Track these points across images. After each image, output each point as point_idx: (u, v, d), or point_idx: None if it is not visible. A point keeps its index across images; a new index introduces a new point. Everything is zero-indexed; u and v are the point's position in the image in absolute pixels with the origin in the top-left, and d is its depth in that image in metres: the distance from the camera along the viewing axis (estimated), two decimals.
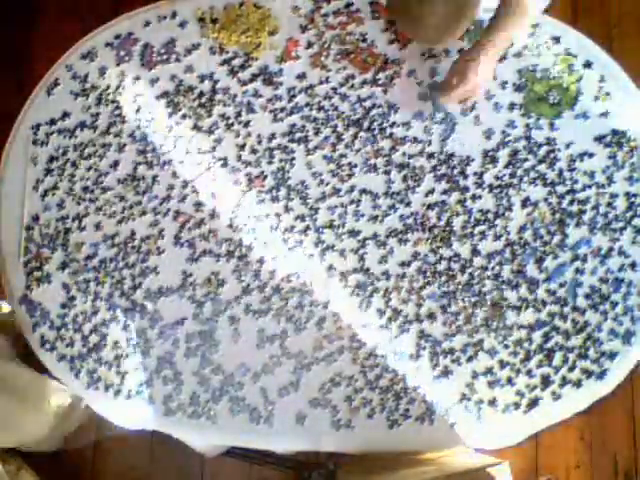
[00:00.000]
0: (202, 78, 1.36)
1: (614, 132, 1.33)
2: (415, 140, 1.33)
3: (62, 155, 1.35)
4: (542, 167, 1.32)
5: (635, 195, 1.31)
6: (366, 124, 1.33)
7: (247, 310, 1.30)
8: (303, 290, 1.30)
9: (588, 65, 1.34)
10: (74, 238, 1.33)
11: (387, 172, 1.32)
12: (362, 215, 1.31)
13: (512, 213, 1.31)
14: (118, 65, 1.36)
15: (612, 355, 1.29)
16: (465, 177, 1.32)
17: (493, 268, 1.30)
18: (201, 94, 1.35)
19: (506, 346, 1.28)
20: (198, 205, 1.32)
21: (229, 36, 1.36)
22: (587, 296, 1.29)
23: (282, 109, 1.34)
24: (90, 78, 1.37)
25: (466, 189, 1.32)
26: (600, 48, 1.36)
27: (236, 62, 1.36)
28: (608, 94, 1.34)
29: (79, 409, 1.49)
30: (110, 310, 1.30)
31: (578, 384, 1.29)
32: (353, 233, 1.31)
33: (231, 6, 1.37)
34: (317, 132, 1.33)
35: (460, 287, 1.29)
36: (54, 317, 1.31)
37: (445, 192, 1.32)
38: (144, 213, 1.33)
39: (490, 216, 1.31)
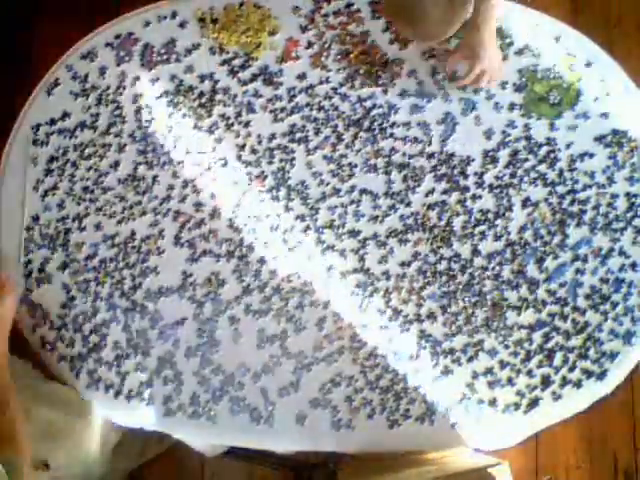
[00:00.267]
0: (202, 78, 1.36)
1: (614, 132, 1.33)
2: (415, 140, 1.33)
3: (62, 155, 1.35)
4: (542, 167, 1.32)
5: (636, 195, 1.31)
6: (366, 124, 1.33)
7: (247, 310, 1.30)
8: (303, 290, 1.30)
9: (588, 65, 1.34)
10: (74, 238, 1.32)
11: (387, 172, 1.32)
12: (362, 215, 1.31)
13: (512, 213, 1.31)
14: (118, 65, 1.36)
15: (612, 355, 1.29)
16: (465, 177, 1.32)
17: (493, 268, 1.30)
18: (201, 94, 1.35)
19: (506, 346, 1.28)
20: (198, 205, 1.32)
21: (229, 36, 1.36)
22: (587, 296, 1.29)
23: (282, 109, 1.34)
24: (90, 78, 1.36)
25: (466, 189, 1.32)
26: (600, 48, 1.36)
27: (236, 62, 1.36)
28: (608, 94, 1.34)
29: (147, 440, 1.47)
30: (110, 310, 1.30)
31: (578, 384, 1.29)
32: (353, 233, 1.31)
33: (231, 6, 1.37)
34: (317, 132, 1.33)
35: (460, 287, 1.29)
36: (54, 317, 1.31)
37: (445, 192, 1.32)
38: (144, 213, 1.33)
39: (490, 216, 1.31)
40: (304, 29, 1.36)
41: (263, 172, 1.33)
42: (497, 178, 1.32)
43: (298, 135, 1.34)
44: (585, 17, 1.83)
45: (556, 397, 1.28)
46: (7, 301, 1.22)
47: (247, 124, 1.34)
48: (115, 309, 1.30)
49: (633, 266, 1.30)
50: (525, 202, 1.31)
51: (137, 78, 1.36)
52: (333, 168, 1.33)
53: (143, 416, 1.29)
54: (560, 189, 1.31)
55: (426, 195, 1.32)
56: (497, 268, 1.30)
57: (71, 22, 1.79)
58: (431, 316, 1.29)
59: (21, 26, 1.92)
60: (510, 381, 1.28)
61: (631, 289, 1.29)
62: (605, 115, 1.33)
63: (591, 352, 1.29)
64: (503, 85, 1.33)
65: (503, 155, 1.32)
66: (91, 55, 1.37)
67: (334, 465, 1.45)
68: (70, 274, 1.32)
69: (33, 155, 1.35)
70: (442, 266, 1.30)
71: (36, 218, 1.33)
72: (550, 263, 1.30)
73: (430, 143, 1.32)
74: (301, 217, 1.31)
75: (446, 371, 1.28)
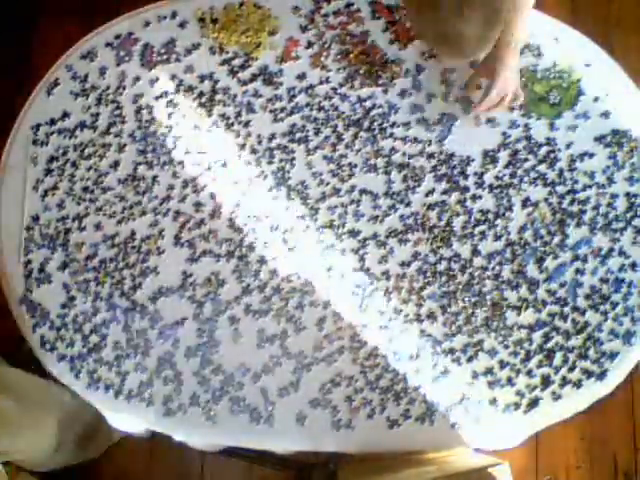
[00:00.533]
0: (202, 78, 1.36)
1: (614, 132, 1.33)
2: (415, 140, 1.33)
3: (62, 155, 1.35)
4: (542, 167, 1.32)
5: (635, 195, 1.31)
6: (366, 124, 1.33)
7: (247, 310, 1.30)
8: (303, 290, 1.30)
9: (588, 65, 1.34)
10: (74, 238, 1.32)
11: (387, 172, 1.32)
12: (362, 215, 1.31)
13: (512, 213, 1.31)
14: (118, 65, 1.36)
15: (612, 355, 1.29)
16: (465, 177, 1.32)
17: (493, 268, 1.30)
18: (201, 94, 1.35)
19: (506, 346, 1.28)
20: (198, 205, 1.32)
21: (229, 36, 1.36)
22: (587, 296, 1.29)
23: (282, 109, 1.34)
24: (90, 78, 1.37)
25: (466, 189, 1.32)
26: (600, 48, 1.36)
27: (236, 62, 1.36)
28: (608, 94, 1.34)
29: (104, 432, 1.48)
30: (110, 310, 1.30)
31: (578, 384, 1.28)
32: (353, 233, 1.31)
33: (231, 6, 1.37)
34: (317, 132, 1.33)
35: (460, 287, 1.29)
36: (54, 317, 1.31)
37: (445, 192, 1.32)
38: (144, 213, 1.33)
39: (490, 216, 1.31)
40: (304, 29, 1.36)
41: (263, 172, 1.33)
42: (497, 178, 1.32)
43: (298, 135, 1.34)
44: (585, 17, 1.83)
45: (556, 397, 1.28)
46: None
47: (247, 124, 1.34)
48: (115, 309, 1.30)
49: (633, 266, 1.30)
50: (525, 202, 1.31)
51: (137, 78, 1.36)
52: (333, 168, 1.33)
53: (143, 416, 1.29)
54: (560, 189, 1.31)
55: (426, 195, 1.32)
56: (497, 268, 1.30)
57: (71, 22, 1.80)
58: (431, 316, 1.29)
59: (21, 26, 1.92)
60: (510, 381, 1.28)
61: (631, 289, 1.29)
62: (605, 115, 1.33)
63: (591, 352, 1.29)
64: None
65: (503, 155, 1.32)
66: (91, 55, 1.37)
67: (334, 465, 1.45)
68: (70, 274, 1.32)
69: (33, 155, 1.35)
70: (442, 266, 1.30)
71: (36, 218, 1.33)
72: (550, 263, 1.30)
73: (430, 143, 1.32)
74: (301, 217, 1.31)
75: (446, 371, 1.28)
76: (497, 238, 1.31)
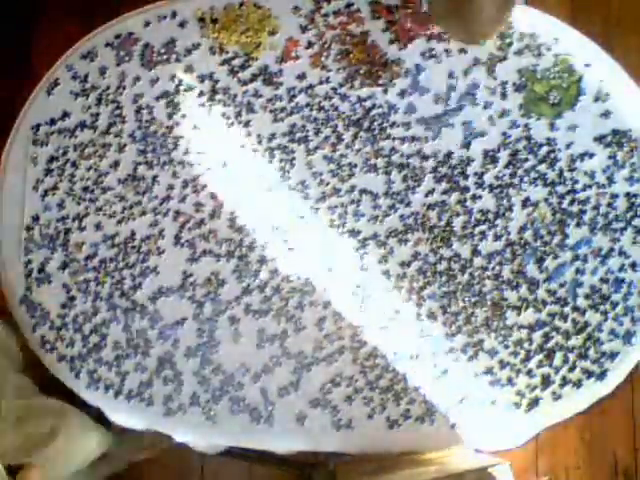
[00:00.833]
0: (202, 78, 1.35)
1: (614, 132, 1.33)
2: (415, 140, 1.33)
3: (62, 155, 1.35)
4: (542, 167, 1.32)
5: (635, 195, 1.31)
6: (366, 124, 1.33)
7: (247, 310, 1.30)
8: (303, 290, 1.30)
9: (588, 65, 1.34)
10: (74, 238, 1.33)
11: (387, 172, 1.32)
12: (362, 215, 1.31)
13: (512, 213, 1.31)
14: (118, 65, 1.36)
15: (612, 355, 1.29)
16: (465, 177, 1.32)
17: (493, 268, 1.30)
18: (201, 94, 1.35)
19: (506, 346, 1.28)
20: (198, 205, 1.32)
21: (229, 36, 1.36)
22: (587, 296, 1.29)
23: (282, 109, 1.34)
24: (90, 78, 1.36)
25: (466, 189, 1.32)
26: (600, 47, 1.36)
27: (236, 62, 1.36)
28: (608, 94, 1.34)
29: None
30: (110, 310, 1.30)
31: (578, 384, 1.29)
32: (353, 233, 1.31)
33: (231, 6, 1.37)
34: (317, 132, 1.33)
35: (460, 287, 1.29)
36: (54, 317, 1.31)
37: (445, 192, 1.32)
38: (144, 213, 1.33)
39: (490, 216, 1.31)
40: (304, 29, 1.36)
41: (263, 172, 1.33)
42: (497, 178, 1.32)
43: (298, 135, 1.34)
44: (585, 17, 1.83)
45: (556, 397, 1.28)
46: None
47: (247, 124, 1.34)
48: (115, 309, 1.31)
49: (633, 266, 1.30)
50: (525, 202, 1.31)
51: (137, 78, 1.36)
52: (333, 168, 1.33)
53: (143, 416, 1.29)
54: (560, 189, 1.31)
55: (426, 195, 1.32)
56: (497, 268, 1.30)
57: (71, 22, 1.80)
58: (431, 316, 1.29)
59: (21, 26, 1.92)
60: (510, 381, 1.28)
61: (631, 289, 1.29)
62: (605, 115, 1.33)
63: (591, 352, 1.29)
64: (503, 85, 1.33)
65: (503, 155, 1.32)
66: (91, 55, 1.37)
67: (334, 465, 1.45)
68: (70, 274, 1.32)
69: (33, 155, 1.35)
70: (442, 266, 1.30)
71: (36, 218, 1.33)
72: (550, 263, 1.30)
73: (430, 143, 1.32)
74: (301, 217, 1.31)
75: (446, 371, 1.28)
76: (497, 238, 1.31)
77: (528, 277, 1.30)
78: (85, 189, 1.34)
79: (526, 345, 1.28)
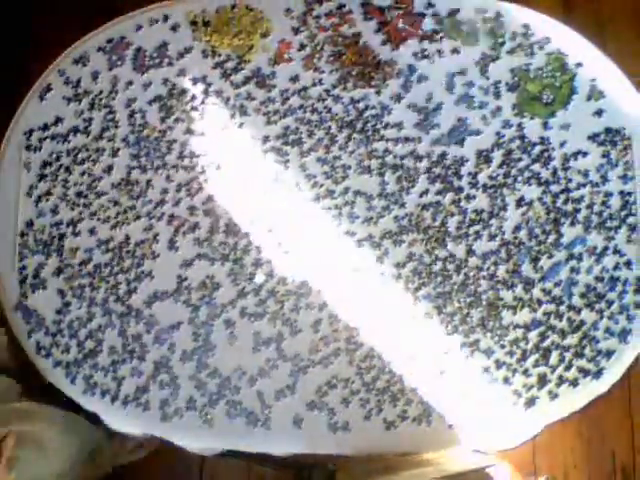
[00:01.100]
0: (195, 81, 1.35)
1: (608, 130, 1.33)
2: (409, 141, 1.32)
3: (55, 160, 1.34)
4: (536, 166, 1.32)
5: (629, 193, 1.31)
6: (359, 126, 1.33)
7: (242, 313, 1.30)
8: (299, 293, 1.30)
9: (581, 63, 1.34)
10: (68, 243, 1.32)
11: (381, 173, 1.32)
12: (357, 217, 1.31)
13: (507, 213, 1.31)
14: (110, 70, 1.36)
15: (608, 353, 1.29)
16: (459, 177, 1.32)
17: (488, 268, 1.30)
18: (194, 97, 1.35)
19: (502, 346, 1.28)
20: (192, 209, 1.32)
21: (221, 39, 1.36)
22: (583, 295, 1.29)
23: (275, 111, 1.34)
24: (83, 83, 1.36)
25: (460, 189, 1.31)
26: (593, 45, 1.35)
27: (229, 65, 1.36)
28: (601, 92, 1.34)
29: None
30: (105, 315, 1.30)
31: (575, 383, 1.28)
32: (348, 234, 1.31)
33: (223, 9, 1.37)
34: (311, 134, 1.33)
35: (455, 287, 1.29)
36: (49, 323, 1.31)
37: (439, 193, 1.31)
38: (138, 217, 1.32)
39: (485, 216, 1.31)
40: (296, 31, 1.36)
41: (257, 175, 1.32)
42: (491, 178, 1.32)
43: (291, 137, 1.33)
44: (577, 15, 1.83)
45: (553, 396, 1.28)
46: None
47: (240, 127, 1.34)
48: (110, 314, 1.30)
49: (628, 264, 1.30)
50: (519, 201, 1.31)
51: (130, 82, 1.36)
52: (327, 170, 1.32)
53: (140, 421, 1.29)
54: (554, 188, 1.31)
55: (420, 196, 1.32)
56: (492, 268, 1.30)
57: (71, 22, 1.79)
58: (427, 316, 1.29)
59: (17, 31, 1.92)
60: (507, 381, 1.28)
61: (626, 287, 1.29)
62: (598, 113, 1.33)
63: (587, 350, 1.29)
64: (496, 85, 1.33)
65: (497, 155, 1.32)
66: (83, 60, 1.37)
67: (334, 465, 1.45)
68: (65, 279, 1.31)
69: (26, 161, 1.35)
70: (437, 266, 1.30)
71: (30, 224, 1.33)
72: (545, 262, 1.30)
73: (423, 144, 1.32)
74: (295, 219, 1.31)
75: (442, 372, 1.28)
76: (492, 238, 1.30)
77: (523, 276, 1.29)
78: (79, 194, 1.33)
79: (522, 344, 1.28)
